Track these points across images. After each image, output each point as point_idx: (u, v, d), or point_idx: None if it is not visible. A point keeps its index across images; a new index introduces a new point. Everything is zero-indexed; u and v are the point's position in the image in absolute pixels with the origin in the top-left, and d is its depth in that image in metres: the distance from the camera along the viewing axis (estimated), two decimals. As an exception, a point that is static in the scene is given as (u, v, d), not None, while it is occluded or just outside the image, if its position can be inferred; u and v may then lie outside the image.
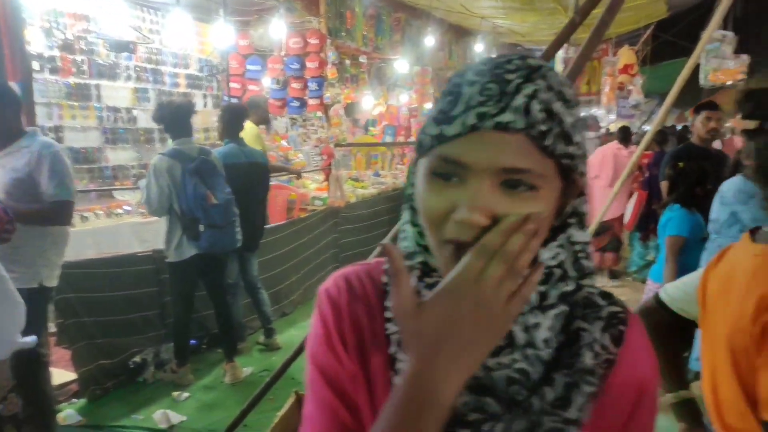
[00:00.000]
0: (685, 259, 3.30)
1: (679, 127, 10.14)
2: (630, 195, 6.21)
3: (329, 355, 0.70)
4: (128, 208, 4.92)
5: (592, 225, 4.84)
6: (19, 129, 2.72)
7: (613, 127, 8.70)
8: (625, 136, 6.71)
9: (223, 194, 3.66)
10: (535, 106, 0.58)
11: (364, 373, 0.69)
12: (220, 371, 3.97)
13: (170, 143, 3.85)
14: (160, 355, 3.98)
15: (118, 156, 5.57)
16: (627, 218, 5.81)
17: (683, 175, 3.42)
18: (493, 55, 0.67)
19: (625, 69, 9.36)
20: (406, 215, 0.70)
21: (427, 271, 0.67)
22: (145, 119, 5.91)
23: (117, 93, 5.64)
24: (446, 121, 0.60)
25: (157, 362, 3.94)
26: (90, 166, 5.26)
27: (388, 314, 0.69)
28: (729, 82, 7.32)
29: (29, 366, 2.72)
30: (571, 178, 0.63)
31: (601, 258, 6.44)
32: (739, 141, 7.52)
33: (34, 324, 2.76)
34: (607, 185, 6.35)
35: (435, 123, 0.61)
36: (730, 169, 3.76)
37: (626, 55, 9.34)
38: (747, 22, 7.32)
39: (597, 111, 12.74)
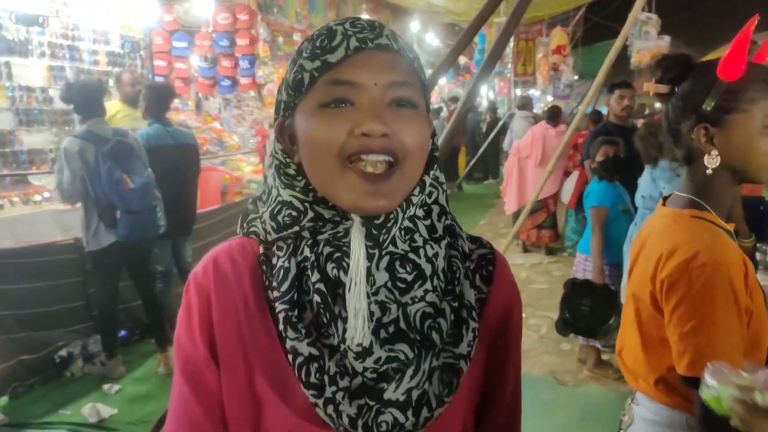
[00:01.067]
0: (607, 231, 3.44)
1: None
2: (565, 173, 6.40)
3: (188, 340, 0.69)
4: (47, 194, 4.62)
5: (528, 203, 4.98)
6: None
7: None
8: (552, 115, 6.88)
9: (141, 178, 3.47)
10: (398, 38, 0.69)
11: (242, 354, 0.68)
12: (154, 362, 3.83)
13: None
14: (88, 348, 3.79)
15: (34, 139, 5.18)
16: (568, 197, 5.98)
17: (601, 149, 3.57)
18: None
19: (558, 50, 9.57)
20: (276, 187, 0.69)
21: (319, 227, 0.66)
22: (63, 99, 5.53)
23: (30, 71, 5.22)
24: (328, 51, 0.64)
25: (85, 355, 3.76)
26: (3, 150, 4.87)
27: (271, 293, 0.68)
28: (651, 63, 7.63)
29: None
30: (428, 113, 0.70)
31: (538, 235, 6.63)
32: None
33: None
34: (538, 164, 6.53)
35: (311, 59, 0.65)
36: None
37: (558, 36, 9.54)
38: (669, 5, 7.63)
39: (534, 91, 13.05)
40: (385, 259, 0.66)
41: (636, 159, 3.33)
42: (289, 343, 0.65)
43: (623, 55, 7.21)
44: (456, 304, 0.68)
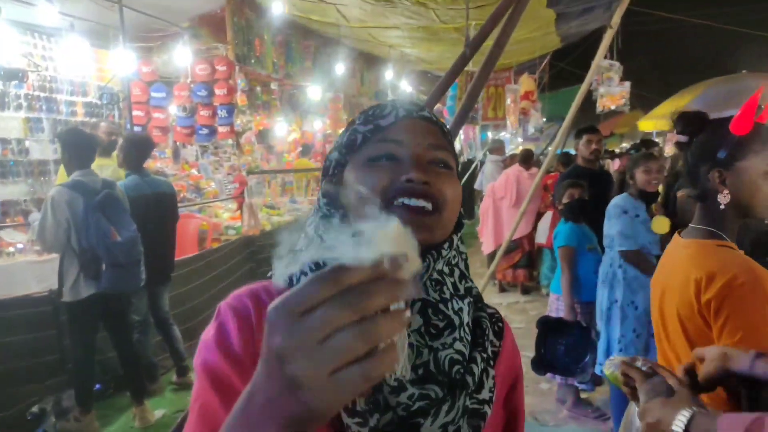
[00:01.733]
0: (576, 270, 3.54)
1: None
2: (538, 214, 6.56)
3: (220, 358, 0.70)
4: (21, 245, 4.56)
5: (503, 243, 5.08)
6: None
7: (520, 151, 9.18)
8: (525, 158, 7.10)
9: (128, 231, 3.47)
10: (436, 115, 0.81)
11: None
12: (130, 416, 3.73)
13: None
14: (62, 403, 3.68)
15: (9, 190, 5.16)
16: (544, 237, 6.10)
17: (567, 192, 3.71)
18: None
19: (526, 95, 9.94)
20: (319, 236, 0.73)
21: None
22: (39, 150, 5.53)
23: (6, 123, 5.25)
24: (379, 118, 0.78)
25: (57, 411, 3.64)
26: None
27: None
28: (613, 107, 7.97)
29: None
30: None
31: (513, 274, 6.73)
32: (617, 163, 8.18)
33: None
34: (512, 205, 6.68)
35: (364, 122, 0.78)
36: (617, 185, 4.12)
37: (526, 83, 9.92)
38: (629, 51, 8.03)
39: (504, 135, 13.41)
40: (418, 305, 0.72)
41: (602, 200, 3.48)
42: None
43: (588, 100, 7.52)
44: (486, 356, 0.75)
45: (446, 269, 0.76)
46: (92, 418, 3.58)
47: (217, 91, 6.35)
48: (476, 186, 9.80)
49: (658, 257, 2.19)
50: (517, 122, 10.01)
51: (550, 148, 7.93)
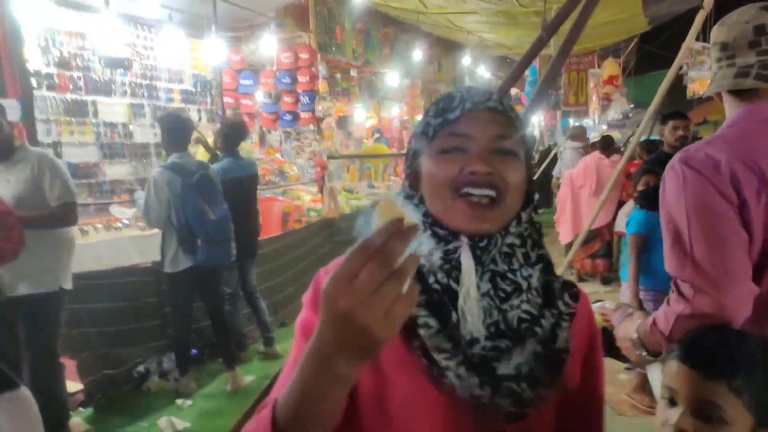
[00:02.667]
0: (651, 258, 3.47)
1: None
2: (619, 203, 6.36)
3: (312, 315, 0.85)
4: (126, 221, 4.99)
5: (582, 233, 4.99)
6: (13, 145, 2.86)
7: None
8: (605, 145, 6.87)
9: (221, 210, 3.72)
10: (505, 101, 0.86)
11: None
12: (222, 380, 4.03)
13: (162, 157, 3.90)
14: (163, 365, 4.04)
15: (116, 170, 5.65)
16: (624, 226, 5.93)
17: (642, 179, 3.62)
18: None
19: (610, 80, 9.60)
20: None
21: (434, 241, 0.83)
22: (141, 134, 5.99)
23: (113, 109, 5.72)
24: (448, 111, 0.84)
25: (160, 372, 4.00)
26: (88, 180, 5.33)
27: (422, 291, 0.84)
28: (702, 93, 7.55)
29: (50, 368, 2.85)
30: (529, 160, 0.87)
31: (592, 264, 6.59)
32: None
33: (55, 328, 2.88)
34: (592, 194, 6.51)
35: (435, 116, 0.85)
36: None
37: (610, 67, 9.58)
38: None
39: (586, 121, 12.99)
40: (488, 275, 0.82)
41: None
42: (421, 320, 0.79)
43: (678, 85, 7.16)
44: (556, 312, 0.83)
45: (517, 241, 0.84)
46: (189, 379, 3.90)
47: (300, 78, 6.59)
48: (554, 173, 9.57)
49: None
50: (600, 108, 9.69)
51: (633, 137, 7.64)
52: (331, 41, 7.18)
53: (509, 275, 0.83)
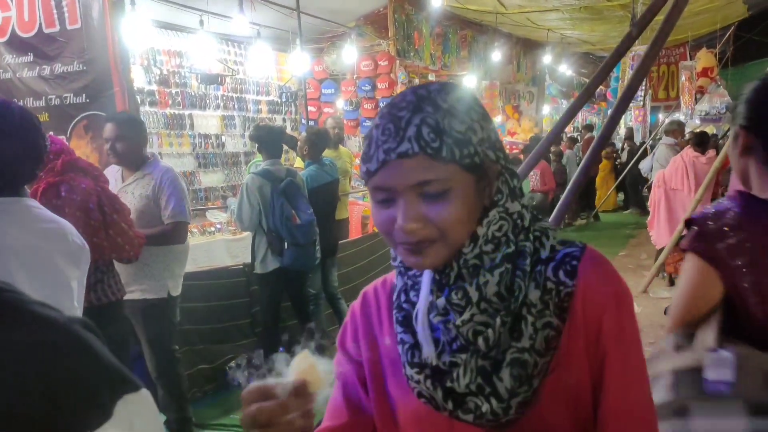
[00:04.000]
0: None
1: None
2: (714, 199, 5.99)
3: (340, 348, 0.96)
4: (219, 226, 5.34)
5: (676, 233, 4.72)
6: (145, 156, 3.09)
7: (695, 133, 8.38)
8: (700, 141, 6.46)
9: (306, 215, 3.87)
10: (424, 131, 0.73)
11: (373, 354, 0.91)
12: (307, 377, 4.21)
13: (252, 165, 4.09)
14: (253, 361, 4.25)
15: (209, 178, 6.06)
16: None
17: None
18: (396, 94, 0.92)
19: (705, 72, 9.04)
20: None
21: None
22: (232, 144, 6.38)
23: (207, 121, 6.14)
24: (367, 161, 0.77)
25: (249, 368, 4.22)
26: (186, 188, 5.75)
27: (397, 308, 0.88)
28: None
29: (168, 362, 3.14)
30: (482, 168, 0.77)
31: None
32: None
33: (167, 328, 3.15)
34: (687, 194, 6.16)
35: (363, 163, 0.79)
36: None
37: (704, 58, 9.02)
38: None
39: (678, 116, 12.28)
40: (451, 291, 0.80)
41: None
42: (398, 336, 0.84)
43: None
44: (509, 319, 0.76)
45: (488, 247, 0.78)
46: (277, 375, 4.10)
47: (380, 85, 6.75)
48: (643, 172, 9.07)
49: None
50: (693, 102, 9.14)
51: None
52: (409, 47, 7.29)
53: (466, 287, 0.77)
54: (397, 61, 6.93)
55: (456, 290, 0.77)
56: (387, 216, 0.77)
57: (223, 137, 6.18)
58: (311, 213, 3.95)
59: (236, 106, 6.36)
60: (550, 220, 1.73)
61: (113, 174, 3.08)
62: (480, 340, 0.75)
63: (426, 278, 0.81)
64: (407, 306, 0.85)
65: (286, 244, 3.82)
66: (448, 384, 0.77)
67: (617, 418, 0.77)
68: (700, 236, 1.18)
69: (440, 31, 7.99)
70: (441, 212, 0.74)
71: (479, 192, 0.78)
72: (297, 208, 3.87)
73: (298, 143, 4.50)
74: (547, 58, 9.97)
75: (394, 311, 0.86)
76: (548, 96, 12.20)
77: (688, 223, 1.23)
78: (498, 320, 0.75)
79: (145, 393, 0.62)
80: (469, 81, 8.65)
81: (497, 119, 9.90)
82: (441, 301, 0.79)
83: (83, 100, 3.85)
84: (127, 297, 2.92)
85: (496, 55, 8.77)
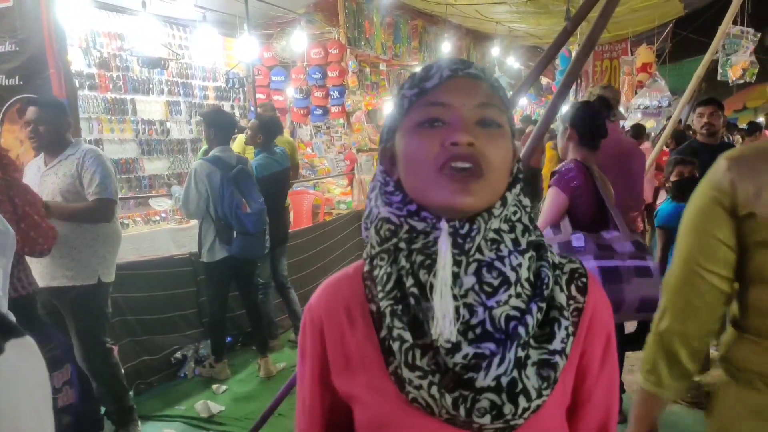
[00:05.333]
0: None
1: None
2: (655, 192, 6.26)
3: (300, 358, 0.86)
4: (164, 215, 5.20)
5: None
6: (68, 140, 3.00)
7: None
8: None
9: (257, 204, 3.82)
10: (488, 71, 0.79)
11: (345, 358, 0.79)
12: (255, 366, 4.18)
13: (200, 153, 4.02)
14: (199, 352, 4.21)
15: (153, 166, 5.88)
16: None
17: (675, 169, 3.54)
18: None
19: (644, 68, 9.41)
20: (377, 206, 0.79)
21: (413, 238, 0.74)
22: (177, 130, 6.21)
23: (151, 107, 5.95)
24: (424, 80, 0.75)
25: (196, 358, 4.17)
26: (128, 176, 5.56)
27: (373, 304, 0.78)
28: (734, 78, 7.31)
29: (99, 353, 3.02)
30: (514, 139, 0.78)
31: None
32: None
33: (99, 316, 3.04)
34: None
35: (410, 87, 0.76)
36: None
37: (644, 54, 9.39)
38: (762, 19, 7.33)
39: (621, 109, 12.70)
40: (473, 266, 0.72)
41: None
42: (395, 332, 0.71)
43: (717, 71, 6.96)
44: (544, 305, 0.72)
45: (504, 226, 0.75)
46: (224, 365, 4.06)
47: (330, 73, 6.70)
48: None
49: None
50: (633, 96, 9.52)
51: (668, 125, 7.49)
52: (360, 36, 7.27)
53: (497, 264, 0.72)
54: (348, 50, 6.90)
55: (488, 268, 0.72)
56: (433, 136, 0.72)
57: (168, 123, 6.00)
58: (262, 202, 3.90)
59: (182, 92, 6.19)
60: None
61: (35, 163, 3.02)
62: (520, 328, 0.69)
63: (444, 245, 0.71)
64: (414, 291, 0.72)
65: (234, 232, 3.77)
66: (474, 381, 0.68)
67: (605, 412, 0.83)
68: (559, 178, 2.54)
69: (391, 20, 7.99)
70: (493, 140, 0.72)
71: (512, 153, 0.77)
72: (248, 196, 3.81)
73: (248, 131, 4.42)
74: (495, 51, 10.13)
75: (385, 301, 0.73)
76: (497, 88, 12.34)
77: (553, 173, 2.57)
78: (535, 307, 0.71)
79: (29, 339, 0.67)
80: (420, 71, 8.68)
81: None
82: (470, 279, 0.72)
83: (16, 83, 3.66)
84: (54, 285, 2.85)
85: (446, 46, 8.85)
